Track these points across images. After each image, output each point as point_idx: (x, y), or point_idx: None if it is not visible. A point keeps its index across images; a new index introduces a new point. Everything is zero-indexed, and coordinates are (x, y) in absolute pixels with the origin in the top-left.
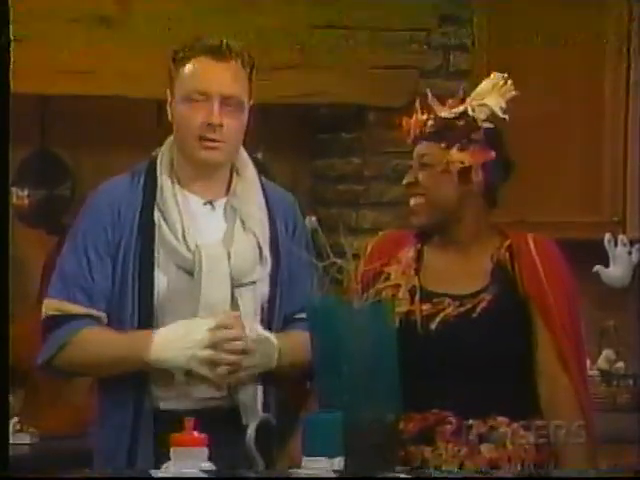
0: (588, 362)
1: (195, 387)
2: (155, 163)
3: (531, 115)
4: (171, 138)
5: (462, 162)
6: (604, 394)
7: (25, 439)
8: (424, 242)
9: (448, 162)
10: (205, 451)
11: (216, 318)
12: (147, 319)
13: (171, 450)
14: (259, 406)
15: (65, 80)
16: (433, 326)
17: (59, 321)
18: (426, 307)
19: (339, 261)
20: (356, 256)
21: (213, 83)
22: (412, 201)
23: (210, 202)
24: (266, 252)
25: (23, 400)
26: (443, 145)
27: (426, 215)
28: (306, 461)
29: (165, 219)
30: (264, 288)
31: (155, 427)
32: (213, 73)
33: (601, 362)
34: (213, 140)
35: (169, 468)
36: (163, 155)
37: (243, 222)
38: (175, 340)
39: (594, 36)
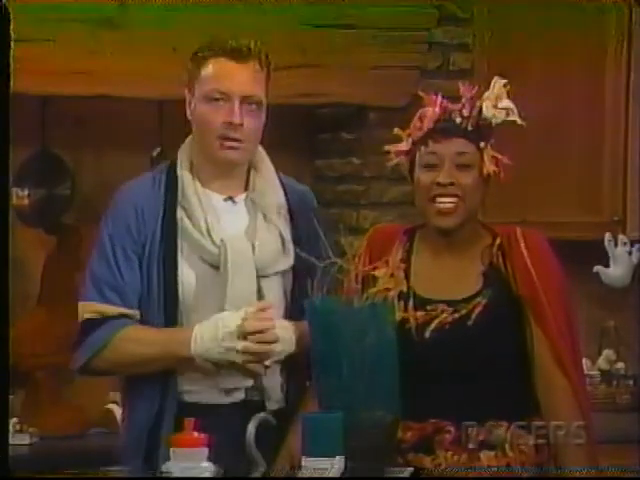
0: (589, 362)
1: (222, 378)
2: (175, 163)
3: (531, 115)
4: (190, 137)
5: (502, 162)
6: (604, 394)
7: (25, 439)
8: (413, 240)
9: (484, 163)
10: (205, 451)
11: (247, 310)
12: (173, 315)
13: (170, 450)
14: (281, 392)
15: (65, 80)
16: (428, 334)
17: (96, 323)
18: (420, 314)
19: (339, 261)
20: (355, 256)
21: (233, 83)
22: (445, 201)
23: (230, 198)
24: (289, 243)
25: (23, 400)
26: (482, 145)
27: (459, 217)
28: (306, 461)
29: (188, 216)
30: (288, 279)
31: (179, 420)
32: (233, 74)
33: (601, 362)
34: (234, 139)
35: (169, 468)
36: (183, 155)
37: (264, 215)
38: (211, 334)
39: (594, 36)
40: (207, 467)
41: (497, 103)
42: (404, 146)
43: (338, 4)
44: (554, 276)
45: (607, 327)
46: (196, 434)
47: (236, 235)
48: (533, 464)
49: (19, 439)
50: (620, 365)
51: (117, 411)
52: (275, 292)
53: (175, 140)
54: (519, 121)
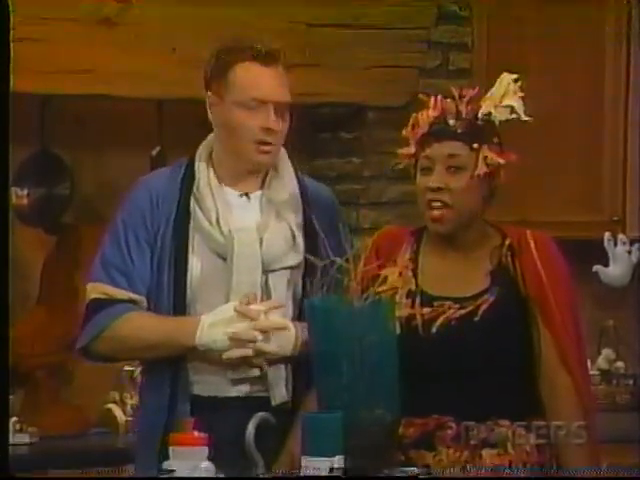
0: (588, 362)
1: (229, 368)
2: (194, 158)
3: (531, 115)
4: (211, 136)
5: (497, 163)
6: (604, 394)
7: (25, 439)
8: (420, 241)
9: (477, 164)
10: (205, 450)
11: (251, 306)
12: (181, 304)
13: (170, 449)
14: (285, 388)
15: (65, 80)
16: (434, 329)
17: (102, 305)
18: (427, 311)
19: (339, 260)
20: (356, 256)
21: (268, 91)
22: (434, 207)
23: (246, 194)
24: (299, 240)
25: (23, 400)
26: (475, 145)
27: (453, 223)
28: (306, 461)
29: (200, 207)
30: (299, 276)
31: (191, 411)
32: (265, 80)
33: (601, 362)
34: (269, 144)
35: (169, 467)
36: (203, 151)
37: (277, 212)
38: (215, 325)
39: (594, 35)
40: (207, 466)
41: (501, 101)
42: (411, 149)
43: (337, 4)
44: (563, 278)
45: (606, 326)
46: (196, 433)
47: (245, 228)
48: (535, 464)
49: (19, 439)
50: (620, 364)
51: (117, 411)
52: (282, 287)
53: (174, 140)
54: (524, 118)
